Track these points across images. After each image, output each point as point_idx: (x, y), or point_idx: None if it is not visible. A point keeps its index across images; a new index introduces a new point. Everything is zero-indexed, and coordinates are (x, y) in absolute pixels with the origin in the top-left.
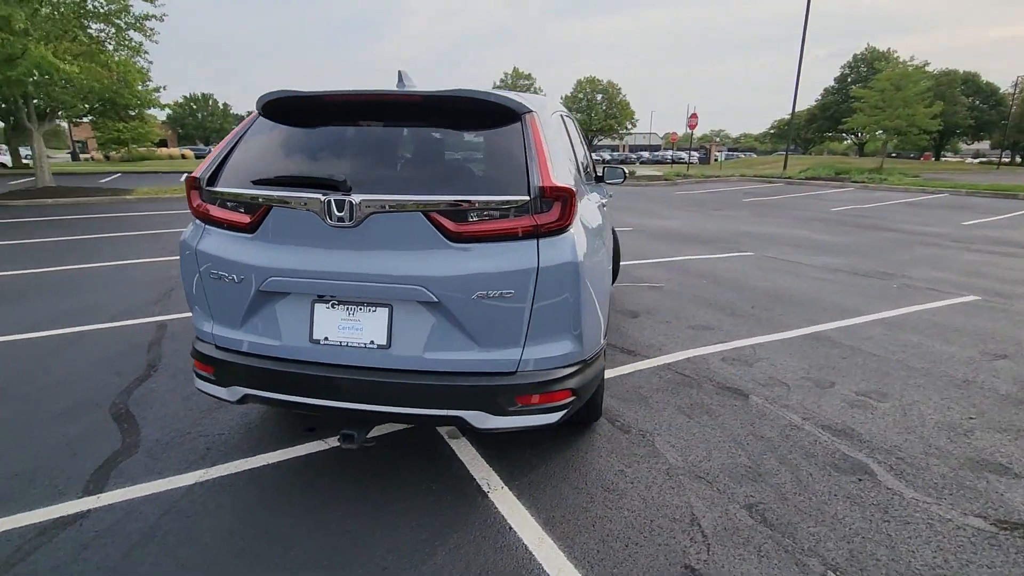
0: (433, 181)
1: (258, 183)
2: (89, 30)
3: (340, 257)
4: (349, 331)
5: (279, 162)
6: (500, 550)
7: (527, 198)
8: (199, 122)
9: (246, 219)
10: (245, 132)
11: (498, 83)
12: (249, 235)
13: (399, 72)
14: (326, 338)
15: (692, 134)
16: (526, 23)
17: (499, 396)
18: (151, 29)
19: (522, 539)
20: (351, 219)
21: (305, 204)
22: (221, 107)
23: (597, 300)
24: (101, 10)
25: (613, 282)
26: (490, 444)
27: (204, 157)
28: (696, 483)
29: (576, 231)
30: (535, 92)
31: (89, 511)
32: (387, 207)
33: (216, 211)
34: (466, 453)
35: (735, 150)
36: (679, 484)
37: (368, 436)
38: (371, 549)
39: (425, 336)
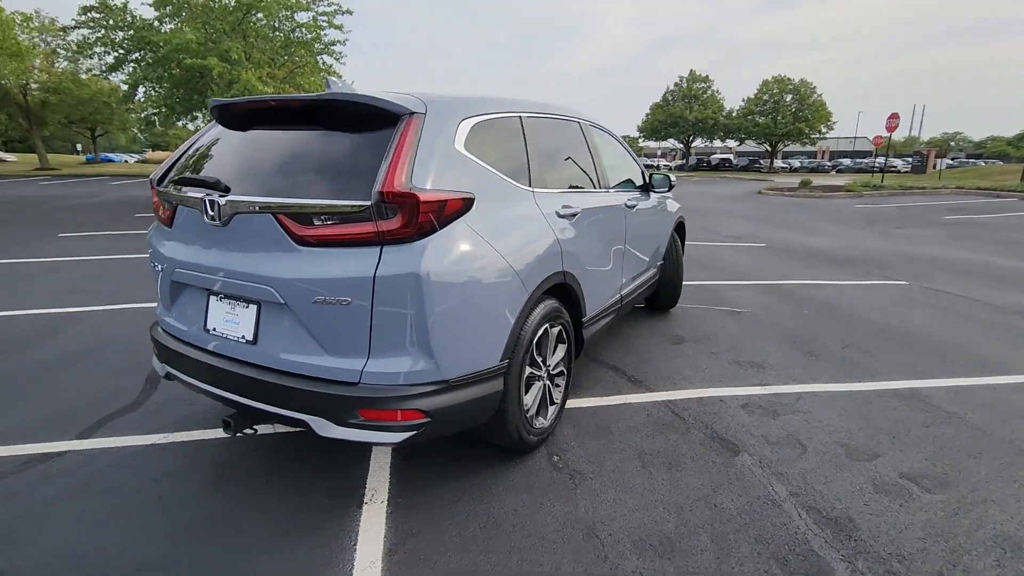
0: (293, 184)
1: (173, 182)
2: (295, 56)
3: (218, 254)
4: (230, 324)
5: (203, 162)
6: (326, 566)
7: (367, 203)
8: None
9: (168, 215)
10: (200, 136)
11: (671, 87)
12: (169, 229)
13: (326, 79)
14: (215, 328)
15: (890, 138)
16: (726, 22)
17: (340, 406)
18: (339, 53)
19: (354, 560)
20: (220, 218)
21: (193, 203)
22: None
23: (474, 318)
24: (303, 39)
25: (672, 305)
26: (408, 455)
27: None
28: (585, 542)
29: (440, 241)
30: (711, 94)
31: (66, 452)
32: (245, 209)
33: (159, 207)
34: (379, 460)
35: (976, 156)
36: (564, 539)
37: (251, 428)
38: (235, 529)
39: (282, 337)
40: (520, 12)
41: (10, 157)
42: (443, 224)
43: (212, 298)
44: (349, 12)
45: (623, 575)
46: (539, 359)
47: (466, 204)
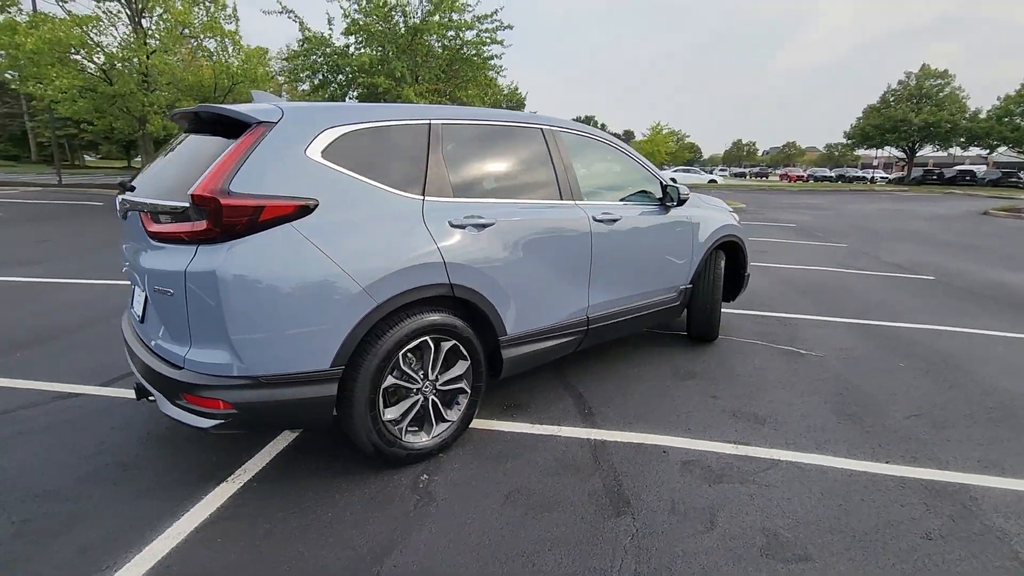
0: (166, 186)
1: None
2: (460, 72)
3: (127, 245)
4: (136, 305)
5: (144, 166)
6: (150, 525)
7: (186, 205)
8: None
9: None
10: (172, 144)
11: (892, 86)
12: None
13: (252, 93)
14: (132, 308)
15: None
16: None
17: (171, 387)
18: (500, 66)
19: (173, 524)
20: (121, 215)
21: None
22: (600, 126)
23: (288, 320)
24: (467, 56)
25: (710, 336)
26: (301, 446)
27: None
28: (363, 567)
29: (251, 244)
30: (949, 93)
31: (80, 395)
32: (130, 207)
33: None
34: (275, 446)
35: None
36: (346, 562)
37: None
38: (118, 479)
39: (151, 318)
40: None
41: None
42: (260, 228)
43: (136, 287)
44: (509, 27)
45: None
46: (413, 372)
47: (300, 210)
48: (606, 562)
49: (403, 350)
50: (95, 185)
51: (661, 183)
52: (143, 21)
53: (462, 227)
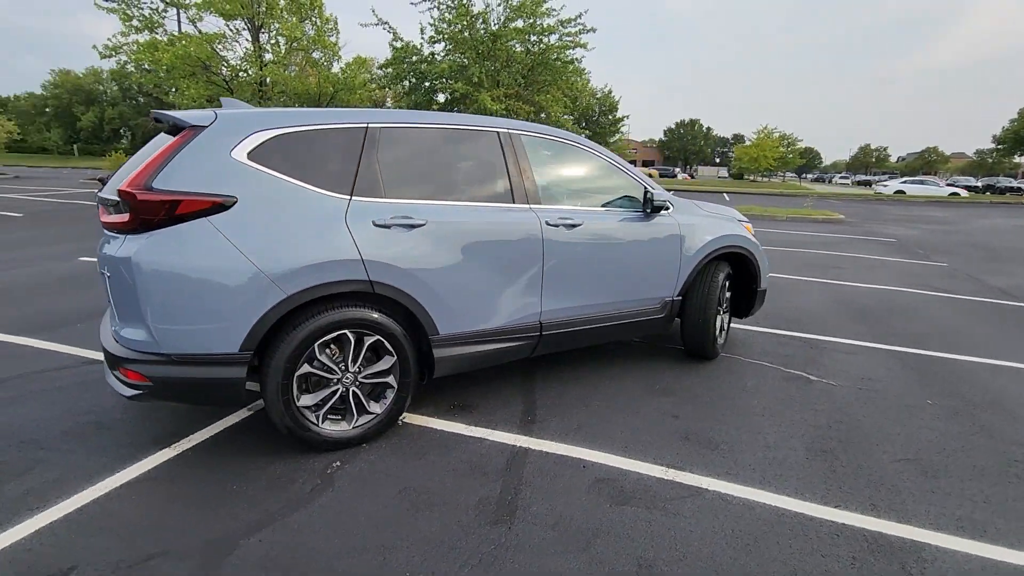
0: (118, 180)
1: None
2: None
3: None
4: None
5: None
6: (84, 476)
7: (117, 199)
8: (683, 145)
9: None
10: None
11: None
12: None
13: (221, 99)
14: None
15: None
16: None
17: (108, 358)
18: (583, 70)
19: (102, 480)
20: (97, 208)
21: None
22: (704, 130)
23: (195, 305)
24: (549, 59)
25: (707, 354)
26: (251, 422)
27: (669, 176)
28: (215, 556)
29: (164, 235)
30: None
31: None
32: (97, 199)
33: None
34: (230, 419)
35: None
36: (201, 548)
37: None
38: (88, 437)
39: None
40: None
41: None
42: (175, 221)
43: None
44: (593, 30)
45: None
46: (333, 363)
47: (216, 206)
48: (454, 567)
49: (319, 341)
50: None
51: (645, 189)
52: (261, 36)
53: (388, 227)
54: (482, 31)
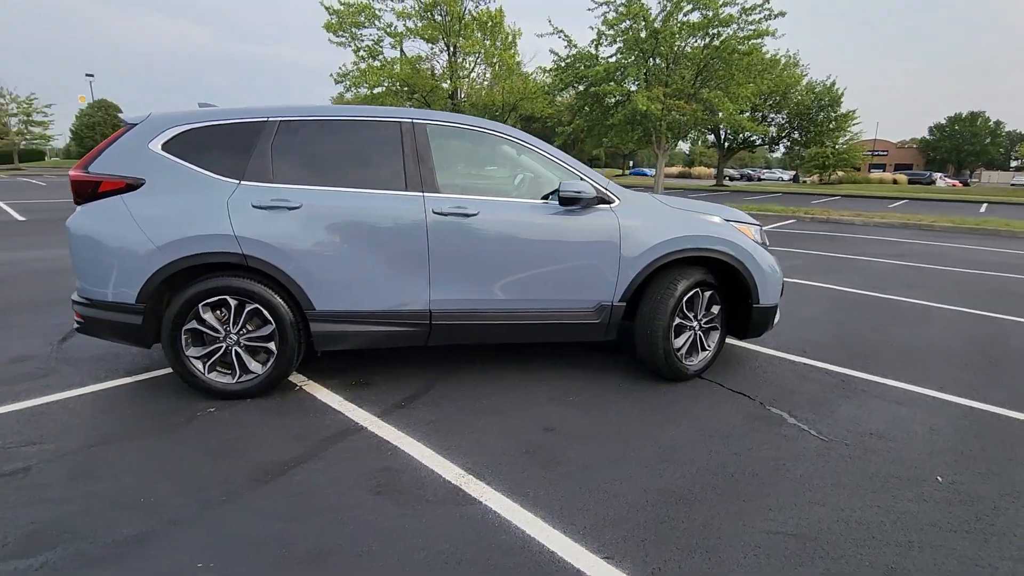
0: None
1: None
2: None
3: None
4: None
5: None
6: (48, 389)
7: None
8: (955, 144)
9: None
10: None
11: None
12: None
13: (197, 102)
14: None
15: None
16: None
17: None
18: (775, 57)
19: (58, 392)
20: None
21: None
22: (992, 125)
23: (102, 263)
24: (726, 53)
25: (665, 373)
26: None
27: (924, 183)
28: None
29: (89, 208)
30: None
31: None
32: None
33: None
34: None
35: None
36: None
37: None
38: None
39: None
40: None
41: None
42: (97, 197)
43: None
44: (782, 14)
45: None
46: (219, 323)
47: (127, 187)
48: (183, 504)
49: (203, 302)
50: None
51: (582, 178)
52: (455, 55)
53: (266, 208)
54: (643, 30)
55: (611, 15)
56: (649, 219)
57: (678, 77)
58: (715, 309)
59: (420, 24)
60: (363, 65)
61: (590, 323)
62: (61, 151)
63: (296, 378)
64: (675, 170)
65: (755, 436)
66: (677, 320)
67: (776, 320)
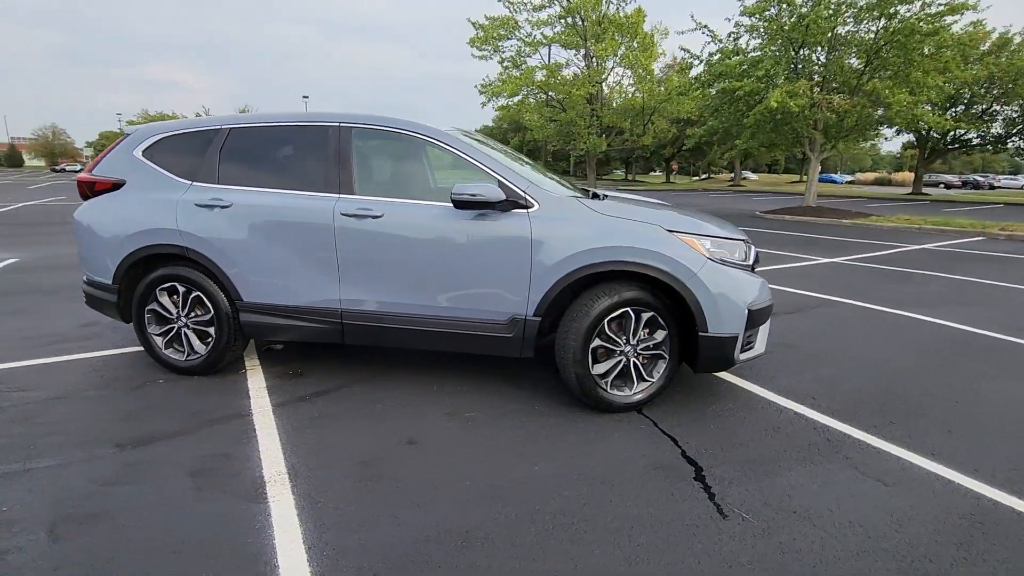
0: None
1: None
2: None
3: None
4: None
5: None
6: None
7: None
8: None
9: None
10: None
11: None
12: None
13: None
14: None
15: None
16: None
17: None
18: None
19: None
20: None
21: None
22: None
23: (92, 249)
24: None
25: (583, 398)
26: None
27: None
28: None
29: (88, 203)
30: None
31: None
32: None
33: None
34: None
35: None
36: None
37: None
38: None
39: None
40: None
41: (752, 176)
42: (95, 194)
43: None
44: None
45: None
46: (173, 306)
47: (114, 186)
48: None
49: (157, 288)
50: None
51: (499, 183)
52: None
53: (204, 206)
54: (788, 16)
55: (750, 2)
56: (568, 227)
57: (836, 68)
58: (660, 334)
59: (559, 31)
60: (505, 75)
61: (503, 337)
62: None
63: (249, 362)
64: (870, 176)
65: (635, 489)
66: (598, 342)
67: (750, 355)
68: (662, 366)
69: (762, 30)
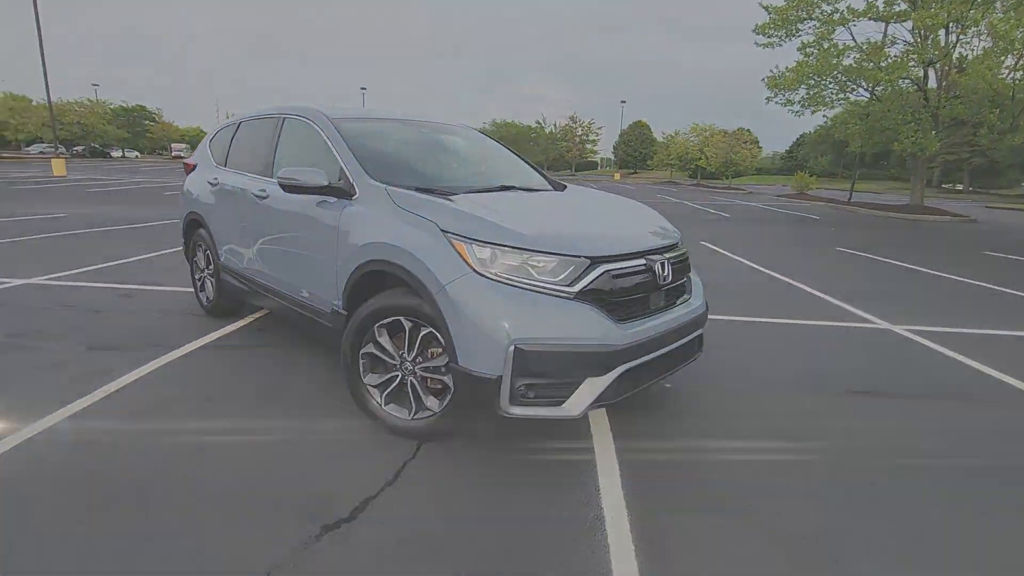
0: None
1: None
2: None
3: None
4: None
5: None
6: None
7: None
8: None
9: None
10: None
11: None
12: None
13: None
14: None
15: None
16: None
17: None
18: None
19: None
20: None
21: None
22: None
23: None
24: None
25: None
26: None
27: None
28: None
29: (189, 177)
30: None
31: None
32: None
33: None
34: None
35: None
36: None
37: None
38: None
39: None
40: None
41: None
42: (189, 173)
43: None
44: None
45: None
46: (201, 259)
47: (193, 167)
48: None
49: (191, 240)
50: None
51: (342, 168)
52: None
53: (209, 183)
54: None
55: None
56: (368, 219)
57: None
58: (443, 357)
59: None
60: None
61: (325, 325)
62: (609, 162)
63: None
64: None
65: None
66: (369, 348)
67: (539, 411)
68: (446, 397)
69: None
